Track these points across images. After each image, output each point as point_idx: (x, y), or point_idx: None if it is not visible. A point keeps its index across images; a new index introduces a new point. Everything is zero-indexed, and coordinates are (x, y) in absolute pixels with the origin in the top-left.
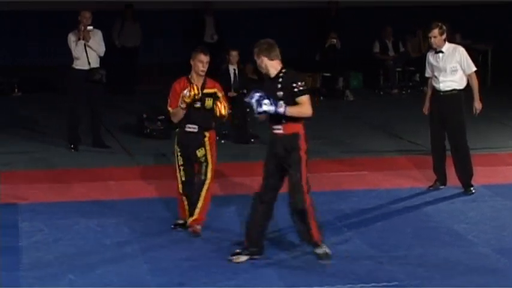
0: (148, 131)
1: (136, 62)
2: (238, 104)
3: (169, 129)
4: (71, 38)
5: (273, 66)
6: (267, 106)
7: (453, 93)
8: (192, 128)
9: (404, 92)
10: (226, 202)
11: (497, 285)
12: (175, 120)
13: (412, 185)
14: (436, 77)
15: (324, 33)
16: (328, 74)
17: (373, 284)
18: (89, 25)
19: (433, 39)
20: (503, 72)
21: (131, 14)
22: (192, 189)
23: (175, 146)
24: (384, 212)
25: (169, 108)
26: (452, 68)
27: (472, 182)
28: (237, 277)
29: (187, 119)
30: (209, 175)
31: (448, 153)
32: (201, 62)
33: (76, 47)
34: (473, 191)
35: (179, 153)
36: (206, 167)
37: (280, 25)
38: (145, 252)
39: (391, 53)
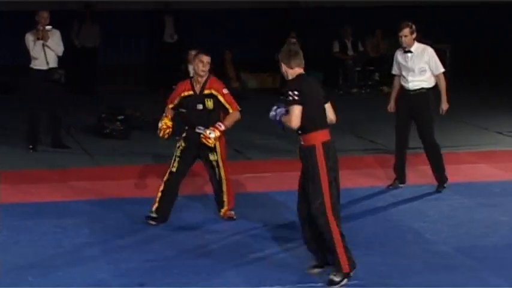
0: (107, 131)
1: (95, 63)
2: None
3: (128, 130)
4: (29, 38)
5: (291, 74)
6: (271, 114)
7: (422, 92)
8: (201, 130)
9: (363, 91)
10: (188, 202)
11: (455, 283)
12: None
13: (372, 184)
14: (404, 76)
15: (283, 33)
16: None
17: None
18: (47, 25)
19: (403, 39)
20: (461, 71)
21: (90, 14)
22: (173, 187)
23: (181, 140)
24: (345, 211)
25: (167, 105)
26: (420, 68)
27: (430, 182)
28: (198, 277)
29: (196, 121)
30: (223, 176)
31: (412, 151)
32: (202, 62)
33: (34, 47)
34: (440, 189)
35: (181, 147)
36: (219, 170)
37: (240, 25)
38: (106, 253)
39: (350, 52)
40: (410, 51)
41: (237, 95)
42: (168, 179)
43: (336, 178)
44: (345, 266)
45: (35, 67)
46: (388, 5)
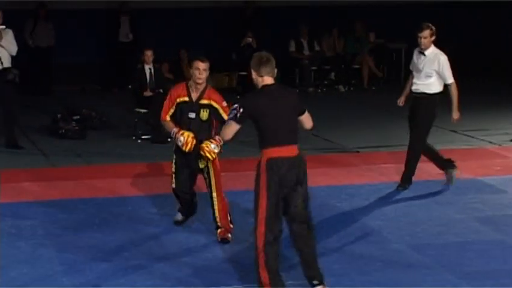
0: (63, 131)
1: (50, 62)
2: (154, 104)
3: (84, 130)
4: None
5: (260, 83)
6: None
7: (422, 96)
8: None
9: (319, 91)
10: (144, 202)
11: (412, 281)
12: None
13: (328, 183)
14: (413, 76)
15: (240, 32)
16: (244, 73)
17: (289, 282)
18: (0, 24)
19: (422, 40)
20: None
21: (44, 14)
22: (184, 197)
23: (172, 152)
24: None
25: (162, 119)
26: (427, 73)
27: (386, 180)
28: (153, 277)
29: (184, 130)
30: (214, 187)
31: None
32: (198, 70)
33: None
34: (400, 189)
35: (174, 160)
36: (210, 179)
37: (196, 24)
38: (61, 253)
39: (307, 52)
40: (424, 54)
41: None
42: (176, 196)
43: (288, 195)
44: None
45: None
46: (345, 5)
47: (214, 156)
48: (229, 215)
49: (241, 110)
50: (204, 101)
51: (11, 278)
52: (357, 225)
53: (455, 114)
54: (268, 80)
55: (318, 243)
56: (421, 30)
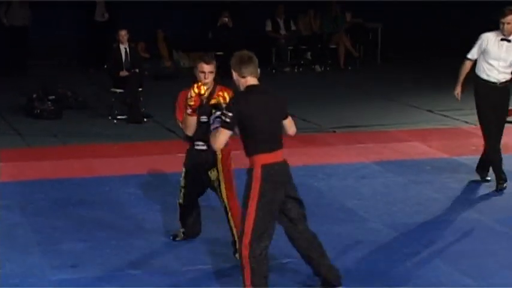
0: (38, 111)
1: (26, 42)
2: (130, 83)
3: (59, 109)
4: None
5: (242, 84)
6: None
7: (507, 85)
8: (201, 145)
9: (296, 70)
10: (121, 182)
11: (388, 259)
12: (189, 132)
13: (304, 163)
14: (491, 64)
15: (216, 12)
16: (220, 53)
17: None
18: None
19: (505, 26)
20: (391, 50)
21: None
22: (189, 217)
23: (182, 166)
24: None
25: (179, 120)
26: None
27: (363, 160)
28: (130, 256)
29: (195, 135)
30: (226, 201)
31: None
32: (203, 73)
33: None
34: (505, 185)
35: (183, 174)
36: (221, 192)
37: (172, 4)
38: (38, 234)
39: (283, 31)
40: (509, 40)
41: (170, 74)
42: (180, 213)
43: (285, 202)
44: None
45: None
46: None
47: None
48: None
49: (229, 114)
50: (214, 101)
51: None
52: (334, 205)
53: None
54: (252, 80)
55: None
56: (504, 15)
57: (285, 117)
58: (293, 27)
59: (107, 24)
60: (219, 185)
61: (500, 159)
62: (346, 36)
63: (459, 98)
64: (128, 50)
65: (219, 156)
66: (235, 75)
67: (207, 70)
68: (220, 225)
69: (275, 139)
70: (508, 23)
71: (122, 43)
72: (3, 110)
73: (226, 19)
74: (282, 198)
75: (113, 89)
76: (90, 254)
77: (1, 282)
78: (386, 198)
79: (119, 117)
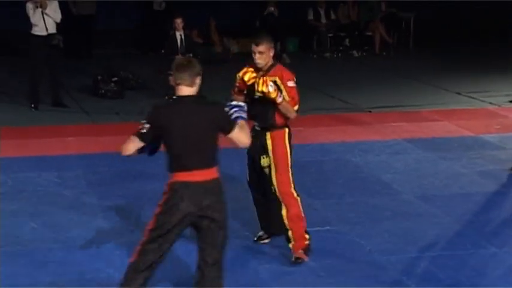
0: (103, 91)
1: (91, 29)
2: None
3: (121, 90)
4: (29, 6)
5: (176, 91)
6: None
7: None
8: (257, 126)
9: (335, 56)
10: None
11: (419, 229)
12: None
13: (343, 139)
14: None
15: (263, 1)
16: None
17: (308, 229)
18: None
19: None
20: (423, 38)
21: None
22: (258, 201)
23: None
24: (319, 164)
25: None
26: None
27: (396, 137)
28: None
29: (253, 114)
30: (276, 186)
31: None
32: (254, 53)
33: (34, 14)
34: None
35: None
36: (271, 179)
37: None
38: (101, 201)
39: (324, 20)
40: None
41: (221, 59)
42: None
43: (197, 224)
44: None
45: (35, 33)
46: None
47: (265, 90)
48: (303, 222)
49: (146, 125)
50: (270, 78)
51: (57, 224)
52: (369, 179)
53: None
54: (184, 90)
55: (334, 195)
56: None
57: (228, 131)
58: (333, 16)
59: (164, 13)
60: (270, 172)
61: None
62: (381, 24)
63: None
64: (183, 36)
65: (269, 141)
66: (172, 79)
67: (256, 50)
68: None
69: (194, 158)
70: None
71: (178, 30)
72: (71, 90)
73: (273, 8)
74: (193, 220)
75: (169, 72)
76: (148, 220)
77: (69, 245)
78: (418, 173)
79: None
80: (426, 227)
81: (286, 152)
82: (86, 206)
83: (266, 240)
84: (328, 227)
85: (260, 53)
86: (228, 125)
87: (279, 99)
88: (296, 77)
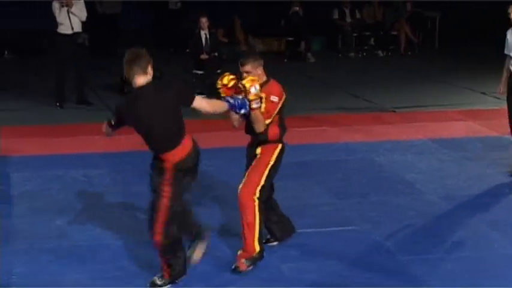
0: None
1: (116, 28)
2: (210, 65)
3: None
4: (55, 5)
5: (133, 84)
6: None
7: None
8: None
9: (360, 55)
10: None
11: (443, 228)
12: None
13: (366, 139)
14: (511, 56)
15: (288, 1)
16: (291, 39)
17: (332, 228)
18: None
19: None
20: (449, 37)
21: None
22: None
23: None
24: (342, 163)
25: None
26: None
27: (421, 137)
28: (217, 217)
29: (247, 129)
30: (239, 191)
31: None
32: (241, 73)
33: (60, 14)
34: None
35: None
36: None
37: None
38: (126, 200)
39: (349, 19)
40: None
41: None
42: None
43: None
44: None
45: (61, 32)
46: None
47: (247, 85)
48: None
49: (116, 115)
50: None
51: (83, 221)
52: (393, 178)
53: None
54: (140, 79)
55: (356, 194)
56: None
57: (189, 103)
58: (358, 16)
59: (179, 12)
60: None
61: None
62: (406, 24)
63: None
64: (207, 35)
65: (259, 153)
66: (126, 73)
67: (243, 70)
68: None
69: (166, 143)
70: None
71: (203, 29)
72: (97, 88)
73: (297, 7)
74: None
75: (194, 71)
76: None
77: (94, 242)
78: (442, 173)
79: (200, 95)
80: (450, 228)
81: (270, 160)
82: (111, 204)
83: (274, 243)
84: (351, 227)
85: (246, 72)
86: (188, 96)
87: (254, 105)
88: (321, 76)
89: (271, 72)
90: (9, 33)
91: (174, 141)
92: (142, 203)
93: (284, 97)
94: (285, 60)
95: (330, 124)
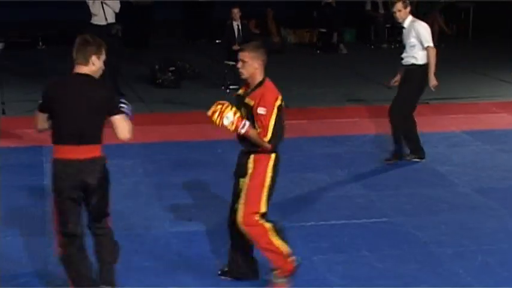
0: (160, 81)
1: (149, 18)
2: None
3: (179, 80)
4: None
5: (75, 69)
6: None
7: (411, 68)
8: (242, 148)
9: (392, 46)
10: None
11: (475, 221)
12: None
13: None
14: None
15: None
16: (324, 30)
17: (364, 220)
18: None
19: (396, 14)
20: (482, 28)
21: None
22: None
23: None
24: (375, 155)
25: None
26: (410, 43)
27: (454, 129)
28: None
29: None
30: (238, 216)
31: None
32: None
33: (93, 5)
34: (408, 158)
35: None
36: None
37: None
38: (158, 190)
39: (381, 10)
40: (404, 27)
41: (278, 49)
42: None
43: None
44: None
45: (95, 22)
46: None
47: (218, 123)
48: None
49: (42, 98)
50: (249, 101)
51: (115, 210)
52: (426, 170)
53: (432, 81)
54: (80, 68)
55: (390, 186)
56: (393, 4)
57: (112, 114)
58: (391, 7)
59: (205, 4)
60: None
61: None
62: (440, 15)
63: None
64: (240, 26)
65: (250, 165)
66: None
67: (239, 58)
68: None
69: (76, 134)
70: (399, 10)
71: (235, 20)
72: (129, 80)
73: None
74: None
75: (226, 62)
76: (205, 210)
77: (126, 233)
78: (475, 165)
79: (231, 86)
80: (483, 220)
81: (265, 176)
82: (143, 194)
83: (227, 277)
84: (384, 219)
85: (242, 61)
86: (115, 109)
87: (241, 131)
88: (353, 67)
89: (303, 63)
90: (43, 24)
91: (79, 139)
92: (175, 193)
93: (279, 102)
94: (317, 51)
95: (361, 115)
